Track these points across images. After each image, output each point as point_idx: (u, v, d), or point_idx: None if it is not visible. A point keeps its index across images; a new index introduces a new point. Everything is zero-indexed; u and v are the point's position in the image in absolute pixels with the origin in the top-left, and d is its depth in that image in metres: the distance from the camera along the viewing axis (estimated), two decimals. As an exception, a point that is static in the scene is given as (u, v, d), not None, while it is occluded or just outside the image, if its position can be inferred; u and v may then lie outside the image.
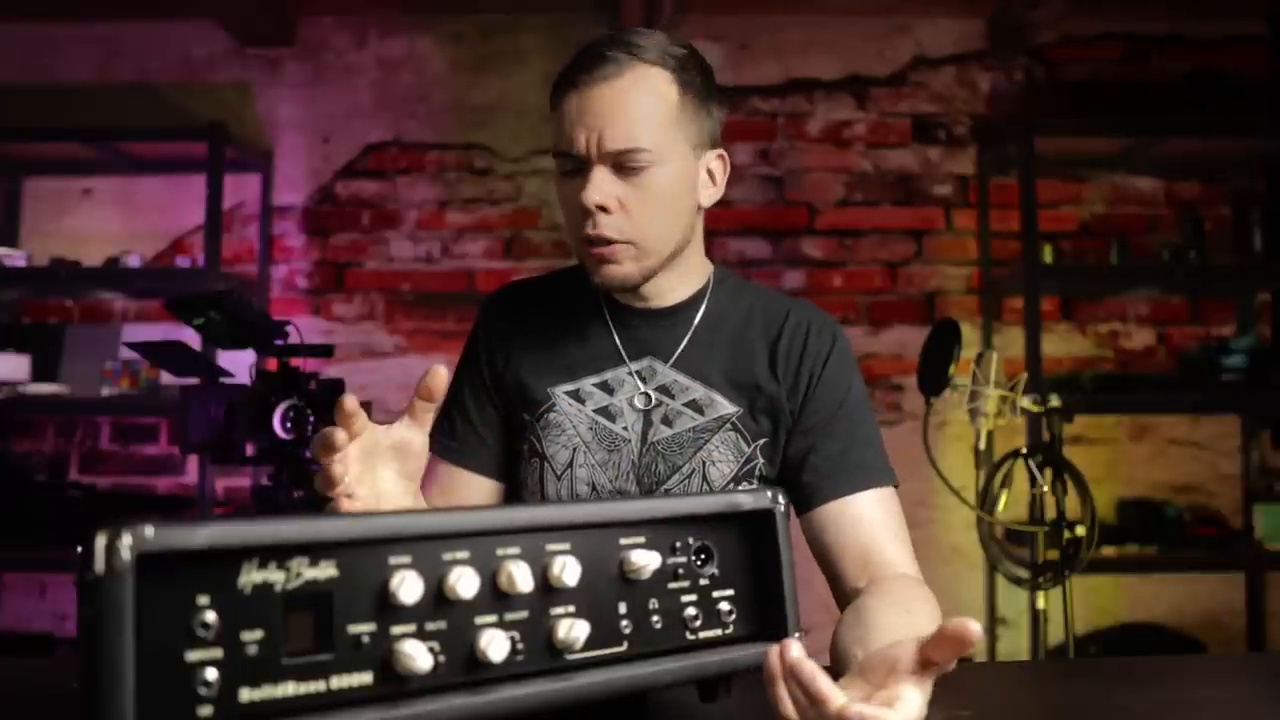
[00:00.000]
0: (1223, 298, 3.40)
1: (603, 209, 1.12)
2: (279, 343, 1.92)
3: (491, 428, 1.27)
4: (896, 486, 1.18)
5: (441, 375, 0.91)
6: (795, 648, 0.68)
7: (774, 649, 0.69)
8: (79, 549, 0.54)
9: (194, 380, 1.96)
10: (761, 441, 1.21)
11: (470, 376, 1.29)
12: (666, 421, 1.20)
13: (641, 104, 1.11)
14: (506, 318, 1.29)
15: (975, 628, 0.69)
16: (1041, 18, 3.29)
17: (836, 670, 0.89)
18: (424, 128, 3.38)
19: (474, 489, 1.25)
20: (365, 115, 3.38)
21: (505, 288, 1.35)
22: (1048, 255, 3.06)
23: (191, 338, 2.01)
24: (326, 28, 3.42)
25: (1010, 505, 1.96)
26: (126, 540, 0.54)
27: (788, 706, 0.68)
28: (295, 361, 1.93)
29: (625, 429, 1.21)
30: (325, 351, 2.01)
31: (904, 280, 3.35)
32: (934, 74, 3.41)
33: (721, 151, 1.21)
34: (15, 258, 3.05)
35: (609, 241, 1.13)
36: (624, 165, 1.12)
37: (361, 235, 3.36)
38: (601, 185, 1.11)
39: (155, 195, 3.39)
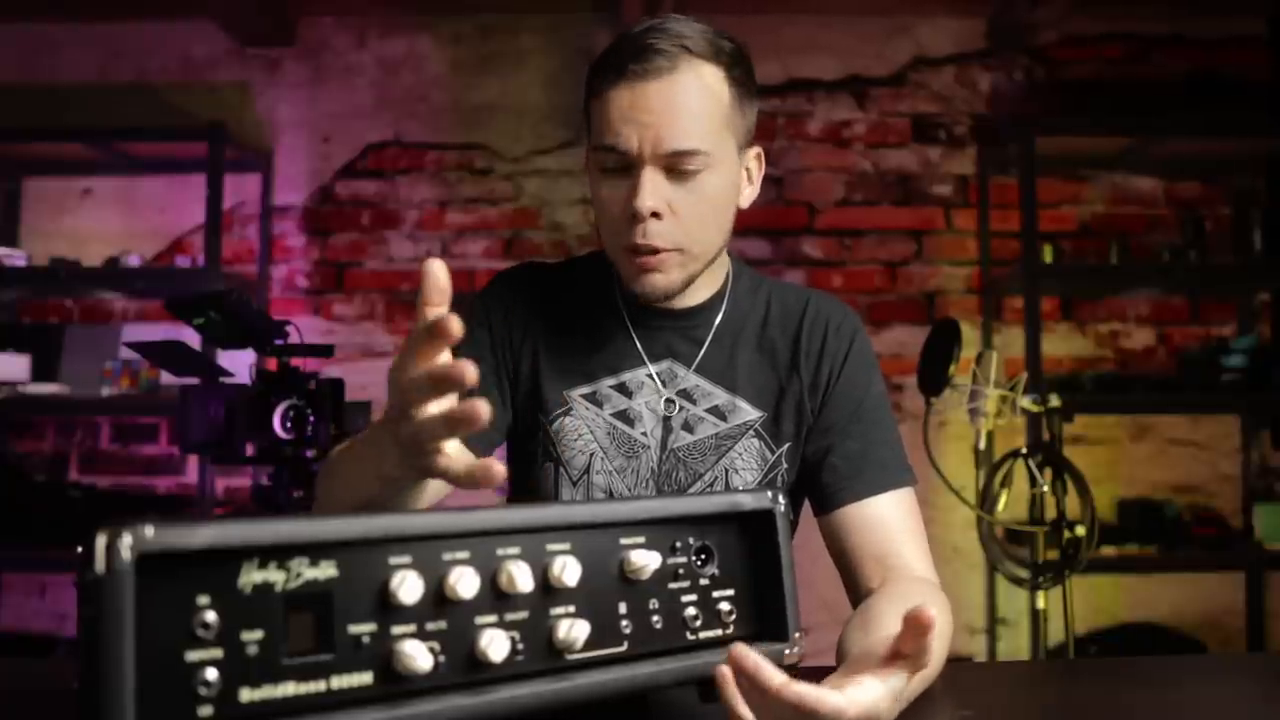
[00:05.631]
0: (1223, 298, 3.40)
1: (655, 215, 1.05)
2: (279, 343, 1.92)
3: (485, 396, 1.10)
4: (915, 485, 1.15)
5: (439, 267, 0.74)
6: (737, 650, 0.66)
7: (719, 673, 0.67)
8: (79, 549, 0.54)
9: (194, 380, 1.96)
10: (786, 447, 1.17)
11: (471, 344, 1.16)
12: (687, 427, 1.17)
13: (697, 103, 1.05)
14: (524, 302, 1.21)
15: (927, 613, 0.67)
16: (1042, 17, 3.29)
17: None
18: (424, 128, 3.38)
19: None
20: (365, 115, 3.38)
21: (522, 269, 1.25)
22: (1048, 255, 3.06)
23: (191, 338, 2.01)
24: (326, 28, 3.42)
25: (1010, 505, 1.95)
26: (126, 540, 0.53)
27: (741, 705, 0.67)
28: (295, 361, 1.93)
29: (644, 434, 1.17)
30: (325, 351, 2.01)
31: (904, 280, 3.35)
32: (934, 74, 3.41)
33: (759, 150, 1.16)
34: (15, 258, 3.05)
35: (657, 250, 1.07)
36: (677, 168, 1.05)
37: (361, 235, 3.36)
38: (654, 189, 1.05)
39: (155, 195, 3.39)
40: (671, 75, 1.05)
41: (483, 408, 0.67)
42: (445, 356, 0.71)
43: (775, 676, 0.65)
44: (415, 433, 0.72)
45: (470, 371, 0.67)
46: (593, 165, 1.10)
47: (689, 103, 1.05)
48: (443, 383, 0.69)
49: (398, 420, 0.74)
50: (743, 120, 1.12)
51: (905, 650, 0.70)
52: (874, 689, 0.70)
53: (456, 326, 0.68)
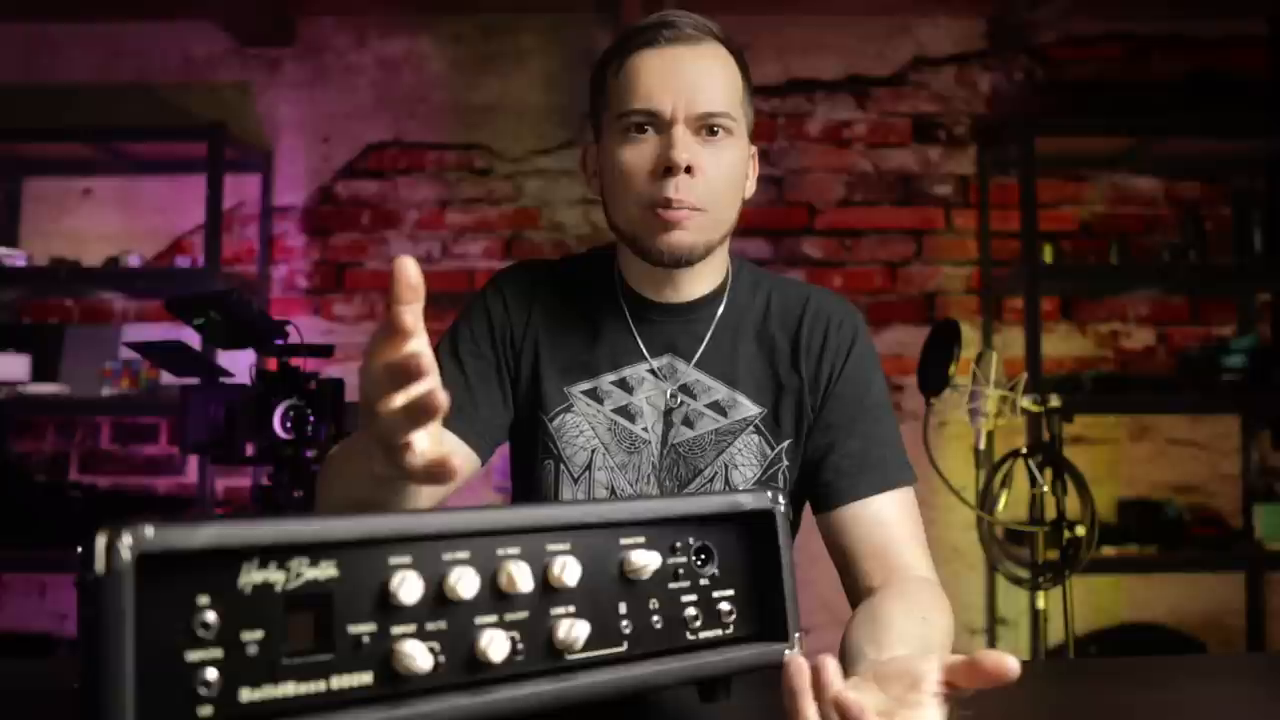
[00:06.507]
0: (1223, 298, 3.39)
1: (688, 170, 1.08)
2: (279, 343, 1.92)
3: (487, 394, 1.17)
4: (915, 484, 1.16)
5: (410, 264, 0.69)
6: (832, 667, 0.67)
7: (795, 662, 0.68)
8: (79, 549, 0.54)
9: (194, 380, 1.96)
10: (786, 444, 1.17)
11: (472, 342, 1.19)
12: (688, 423, 1.17)
13: (723, 72, 1.11)
14: (525, 299, 1.21)
15: (1015, 666, 0.68)
16: (1042, 17, 3.29)
17: (844, 668, 0.88)
18: (424, 128, 3.38)
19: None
20: (365, 115, 3.38)
21: (521, 266, 1.26)
22: (1048, 255, 3.06)
23: (191, 338, 2.01)
24: (326, 28, 3.42)
25: (1010, 505, 1.95)
26: (126, 540, 0.53)
27: (810, 706, 0.68)
28: (295, 361, 1.93)
29: (645, 430, 1.17)
30: (325, 351, 2.01)
31: (904, 280, 3.35)
32: (934, 74, 3.41)
33: (755, 149, 1.20)
34: (15, 258, 3.05)
35: (686, 206, 1.09)
36: (706, 130, 1.09)
37: (361, 235, 3.36)
38: (688, 145, 1.08)
39: (155, 195, 3.39)
40: (700, 45, 1.11)
41: (439, 396, 0.67)
42: (406, 349, 0.70)
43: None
44: (382, 428, 0.73)
45: (425, 363, 0.68)
46: (614, 133, 1.12)
47: (717, 69, 1.11)
48: (399, 375, 0.69)
49: (370, 418, 0.75)
50: (749, 111, 1.17)
51: (963, 685, 0.71)
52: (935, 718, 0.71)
53: (409, 322, 0.69)
